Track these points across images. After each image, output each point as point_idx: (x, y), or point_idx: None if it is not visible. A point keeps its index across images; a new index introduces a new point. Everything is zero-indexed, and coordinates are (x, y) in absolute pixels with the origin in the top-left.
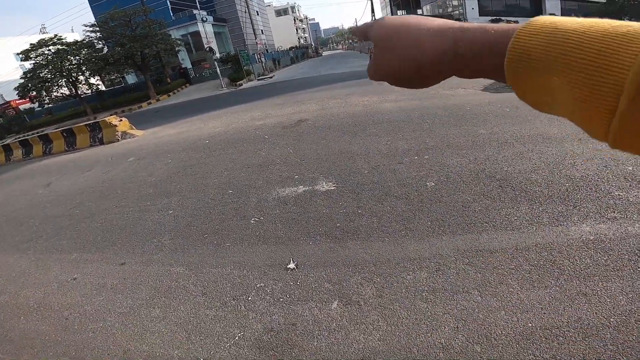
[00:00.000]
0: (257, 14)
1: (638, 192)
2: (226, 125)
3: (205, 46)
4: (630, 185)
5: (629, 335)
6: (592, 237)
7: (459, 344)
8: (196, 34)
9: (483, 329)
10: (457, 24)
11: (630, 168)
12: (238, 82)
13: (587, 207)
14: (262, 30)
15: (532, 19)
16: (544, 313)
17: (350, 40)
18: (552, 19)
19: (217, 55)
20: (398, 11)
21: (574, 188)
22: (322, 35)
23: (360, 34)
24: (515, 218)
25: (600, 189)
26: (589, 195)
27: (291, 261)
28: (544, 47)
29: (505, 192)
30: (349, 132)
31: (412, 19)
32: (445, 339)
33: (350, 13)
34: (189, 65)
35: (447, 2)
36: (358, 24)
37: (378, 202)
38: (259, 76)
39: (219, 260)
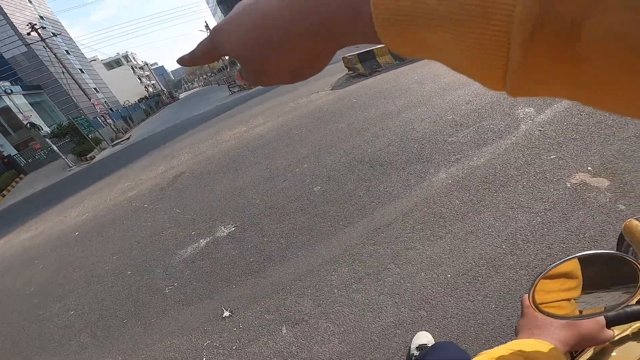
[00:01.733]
0: (82, 72)
1: (464, 133)
2: (93, 209)
3: (25, 122)
4: (456, 130)
5: (524, 255)
6: (450, 181)
7: (406, 315)
8: (5, 110)
9: (417, 295)
10: None
11: (450, 117)
12: (88, 156)
13: (436, 158)
14: (95, 89)
15: None
16: (453, 261)
17: (205, 76)
18: None
19: (46, 129)
20: None
21: (421, 147)
22: (173, 78)
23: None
24: (392, 188)
25: (439, 140)
26: (433, 148)
27: (224, 310)
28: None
29: (376, 170)
30: (229, 169)
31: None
32: (393, 317)
33: (193, 47)
34: (13, 151)
35: None
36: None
37: (279, 224)
38: (112, 141)
39: (154, 337)
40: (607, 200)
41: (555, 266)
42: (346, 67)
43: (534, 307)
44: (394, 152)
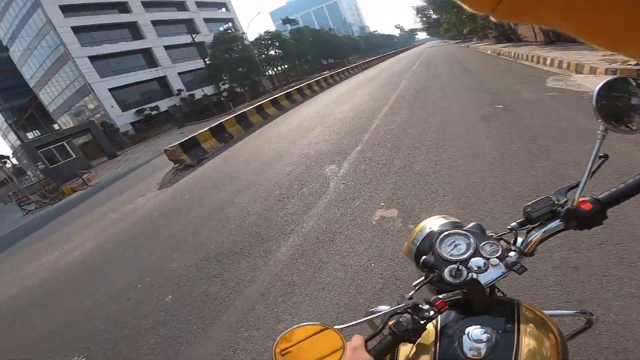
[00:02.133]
0: None
1: (291, 203)
2: None
3: None
4: (284, 203)
5: (368, 292)
6: (292, 252)
7: None
8: None
9: None
10: None
11: (277, 191)
12: None
13: (275, 234)
14: None
15: None
16: (320, 317)
17: None
18: None
19: None
20: (27, 133)
21: (259, 228)
22: None
23: None
24: (244, 275)
25: (272, 217)
26: (270, 225)
27: None
28: None
29: (225, 263)
30: (50, 304)
31: None
32: None
33: None
34: None
35: (84, 108)
36: None
37: (140, 342)
38: None
39: None
40: (401, 225)
41: (286, 332)
42: (171, 160)
43: None
44: (237, 241)
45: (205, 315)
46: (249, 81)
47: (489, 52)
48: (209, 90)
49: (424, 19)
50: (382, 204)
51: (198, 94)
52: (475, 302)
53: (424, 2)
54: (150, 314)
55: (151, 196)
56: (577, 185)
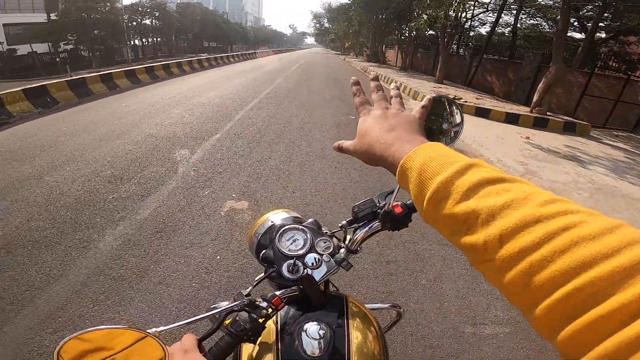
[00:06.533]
0: None
1: (125, 186)
2: None
3: None
4: (117, 186)
5: (212, 285)
6: (120, 242)
7: None
8: None
9: None
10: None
11: (109, 172)
12: None
13: (98, 221)
14: None
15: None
16: (157, 315)
17: None
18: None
19: None
20: None
21: (77, 213)
22: None
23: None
24: (49, 269)
25: (98, 201)
26: (92, 211)
27: None
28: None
29: (18, 255)
30: None
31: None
32: None
33: None
34: None
35: None
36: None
37: None
38: None
39: None
40: (249, 217)
41: (87, 331)
42: None
43: None
44: (40, 228)
45: None
46: (104, 47)
47: (358, 68)
48: (41, 48)
49: (317, 25)
50: (233, 195)
51: (24, 50)
52: (311, 297)
53: (322, 10)
54: None
55: None
56: (393, 191)
